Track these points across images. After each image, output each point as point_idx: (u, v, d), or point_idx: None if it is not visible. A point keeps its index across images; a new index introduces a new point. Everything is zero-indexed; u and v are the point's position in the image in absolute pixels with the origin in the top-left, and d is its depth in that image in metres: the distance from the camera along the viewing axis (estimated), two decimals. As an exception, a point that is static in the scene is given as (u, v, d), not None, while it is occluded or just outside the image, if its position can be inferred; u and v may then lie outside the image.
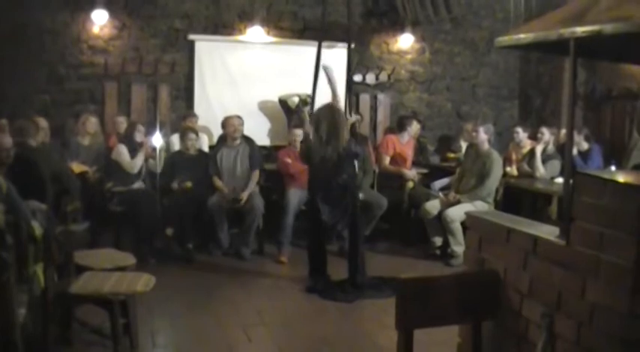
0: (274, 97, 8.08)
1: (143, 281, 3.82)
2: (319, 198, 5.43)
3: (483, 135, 6.47)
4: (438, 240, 6.59)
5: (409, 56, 8.94)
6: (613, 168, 6.65)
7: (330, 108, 5.51)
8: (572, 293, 2.30)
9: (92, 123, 7.02)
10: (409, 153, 7.50)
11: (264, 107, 8.21)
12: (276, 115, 8.16)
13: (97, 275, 3.92)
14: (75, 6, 7.58)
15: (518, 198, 6.86)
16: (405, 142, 7.46)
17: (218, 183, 6.58)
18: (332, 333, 4.57)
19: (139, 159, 6.45)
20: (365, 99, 8.74)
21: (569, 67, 2.46)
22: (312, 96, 5.82)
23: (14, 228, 3.61)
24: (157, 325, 4.54)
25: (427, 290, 2.59)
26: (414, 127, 7.70)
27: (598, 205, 2.21)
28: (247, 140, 7.07)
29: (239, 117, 7.27)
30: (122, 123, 7.16)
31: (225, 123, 6.89)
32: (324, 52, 7.67)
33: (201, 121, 7.56)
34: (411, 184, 7.25)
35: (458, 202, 6.36)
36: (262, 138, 8.16)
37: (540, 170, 6.95)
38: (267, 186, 7.01)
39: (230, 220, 6.50)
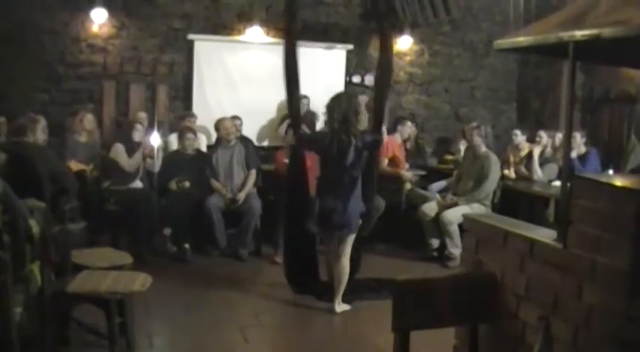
0: (273, 98, 8.09)
1: (140, 281, 3.82)
2: (325, 196, 4.93)
3: (478, 138, 6.48)
4: (435, 242, 6.59)
5: (408, 58, 8.95)
6: (611, 171, 6.67)
7: (344, 96, 5.19)
8: (569, 295, 2.31)
9: (89, 120, 7.00)
10: (403, 153, 7.50)
11: (263, 108, 8.20)
12: (274, 116, 8.16)
13: (94, 274, 3.92)
14: (74, 5, 7.57)
15: (515, 200, 6.87)
16: (398, 143, 7.47)
17: (216, 184, 6.57)
18: (328, 335, 4.57)
19: (137, 159, 6.44)
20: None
21: (567, 70, 2.46)
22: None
23: (11, 226, 3.61)
24: (154, 325, 4.53)
25: (424, 292, 2.59)
26: (406, 128, 7.69)
27: (595, 208, 2.22)
28: (243, 140, 7.07)
29: (236, 117, 7.26)
30: (145, 119, 7.17)
31: (217, 126, 6.89)
32: (325, 53, 7.68)
33: (199, 121, 7.55)
34: (408, 186, 7.25)
35: (455, 204, 6.37)
36: (260, 139, 8.18)
37: (538, 173, 6.96)
38: (264, 187, 7.00)
39: (227, 221, 6.50)
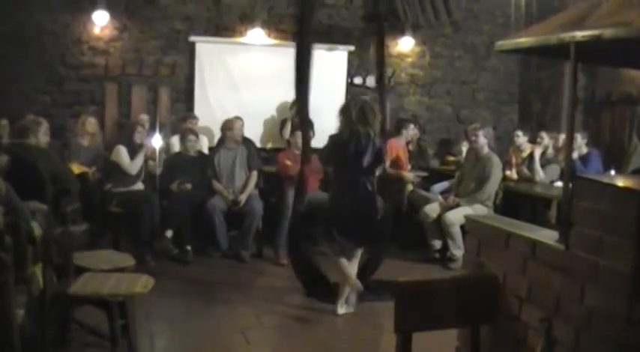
0: (274, 99, 8.10)
1: (142, 283, 3.82)
2: (340, 206, 4.83)
3: (483, 139, 6.48)
4: (437, 244, 6.59)
5: (409, 59, 8.95)
6: (612, 172, 6.66)
7: (356, 98, 5.16)
8: (571, 297, 2.30)
9: (91, 123, 7.02)
10: (406, 155, 7.51)
11: (265, 109, 8.21)
12: (275, 118, 8.17)
13: (95, 276, 3.92)
14: (76, 7, 7.58)
15: (517, 202, 6.86)
16: (402, 145, 7.47)
17: (218, 186, 6.57)
18: (330, 337, 4.56)
19: (139, 161, 6.45)
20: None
21: (569, 71, 2.46)
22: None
23: (13, 228, 3.61)
24: (156, 327, 4.53)
25: (426, 293, 2.59)
26: (410, 131, 7.70)
27: (597, 210, 2.21)
28: (246, 142, 7.07)
29: (238, 118, 7.27)
30: (147, 121, 7.17)
31: (227, 126, 6.85)
32: (326, 55, 7.62)
33: (201, 123, 7.56)
34: (410, 187, 7.25)
35: (457, 206, 6.37)
36: (262, 141, 8.18)
37: (539, 174, 6.95)
38: (266, 189, 7.00)
39: (229, 222, 6.49)
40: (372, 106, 4.91)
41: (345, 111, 4.81)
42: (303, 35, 5.21)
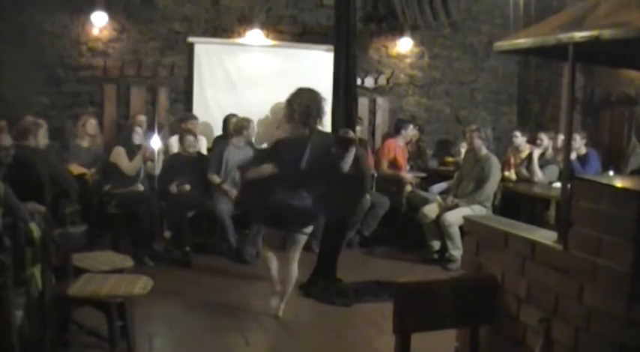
0: (272, 100, 8.09)
1: (141, 284, 3.81)
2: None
3: (477, 141, 6.49)
4: (436, 244, 6.59)
5: (408, 60, 8.95)
6: (611, 173, 6.66)
7: (307, 89, 4.79)
8: (570, 298, 2.31)
9: (92, 125, 7.01)
10: (405, 156, 7.52)
11: (263, 110, 8.21)
12: (273, 119, 8.17)
13: (94, 277, 3.92)
14: (74, 8, 7.57)
15: (516, 202, 6.86)
16: (401, 146, 7.47)
17: (215, 179, 6.56)
18: (329, 337, 4.56)
19: (137, 162, 6.44)
20: (364, 102, 8.73)
21: (567, 72, 2.46)
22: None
23: (12, 230, 3.61)
24: (155, 328, 4.53)
25: (425, 294, 2.59)
26: (410, 131, 7.71)
27: (596, 210, 2.22)
28: (249, 143, 7.09)
29: (234, 116, 7.28)
30: (145, 122, 7.17)
31: (243, 125, 6.81)
32: (325, 55, 7.60)
33: (199, 124, 7.55)
34: (409, 188, 7.26)
35: (456, 206, 6.37)
36: (260, 141, 8.17)
37: (538, 174, 6.96)
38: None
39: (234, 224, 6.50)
40: (318, 105, 4.67)
41: (288, 107, 4.67)
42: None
